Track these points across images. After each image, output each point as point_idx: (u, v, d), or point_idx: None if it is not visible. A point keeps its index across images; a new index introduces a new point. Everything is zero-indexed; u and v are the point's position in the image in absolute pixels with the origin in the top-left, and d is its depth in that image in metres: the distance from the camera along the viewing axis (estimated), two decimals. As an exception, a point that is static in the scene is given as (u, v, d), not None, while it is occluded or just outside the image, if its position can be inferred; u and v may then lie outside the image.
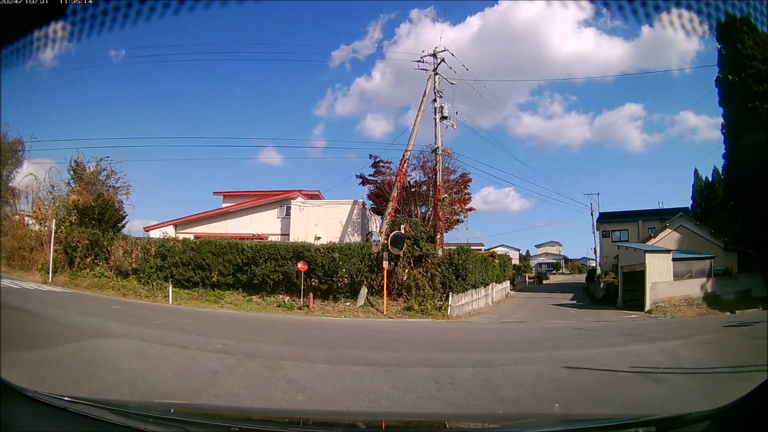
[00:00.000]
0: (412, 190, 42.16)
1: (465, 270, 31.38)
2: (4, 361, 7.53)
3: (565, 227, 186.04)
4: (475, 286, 34.01)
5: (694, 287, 33.02)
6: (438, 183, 33.79)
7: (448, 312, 28.81)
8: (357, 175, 46.66)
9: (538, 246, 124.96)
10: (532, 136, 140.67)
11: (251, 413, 5.92)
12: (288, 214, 40.63)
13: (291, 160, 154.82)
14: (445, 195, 35.05)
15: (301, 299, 29.65)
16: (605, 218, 57.86)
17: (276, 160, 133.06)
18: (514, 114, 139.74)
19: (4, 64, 3.20)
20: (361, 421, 4.58)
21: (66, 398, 3.44)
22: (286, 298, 30.25)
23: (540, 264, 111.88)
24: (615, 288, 39.79)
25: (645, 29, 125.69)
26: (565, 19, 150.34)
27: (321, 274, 30.47)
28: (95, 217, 36.49)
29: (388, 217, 32.24)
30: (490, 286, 39.52)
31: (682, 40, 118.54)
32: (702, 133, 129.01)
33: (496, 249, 72.24)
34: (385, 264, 29.09)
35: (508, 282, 53.99)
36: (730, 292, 32.79)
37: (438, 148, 33.66)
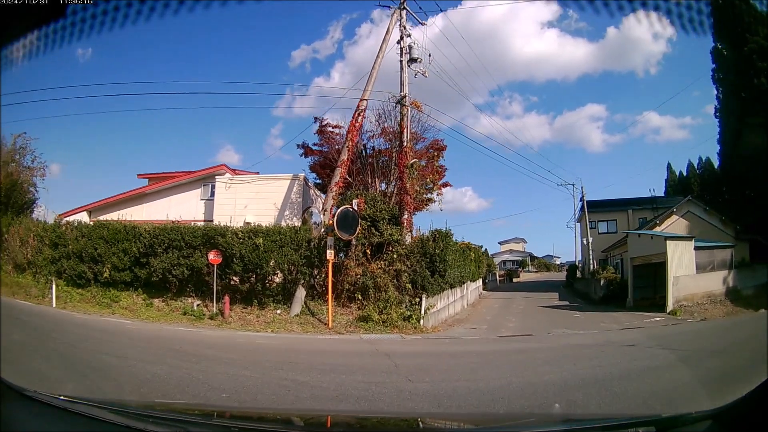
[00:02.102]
0: (369, 160, 34.51)
1: (444, 263, 24.47)
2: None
3: (530, 224, 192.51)
4: (452, 286, 28.12)
5: (716, 281, 29.43)
6: (404, 143, 26.38)
7: (422, 322, 22.10)
8: (299, 145, 38.79)
9: (502, 243, 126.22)
10: (491, 136, 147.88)
11: (251, 413, 5.87)
12: (213, 194, 33.76)
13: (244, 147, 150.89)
14: (415, 159, 27.28)
15: (215, 304, 22.67)
16: (590, 208, 53.50)
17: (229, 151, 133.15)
18: (472, 114, 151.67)
19: (4, 64, 3.33)
20: (361, 421, 4.92)
21: (66, 398, 3.49)
22: (196, 303, 23.40)
23: (504, 261, 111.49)
24: (618, 285, 36.72)
25: (611, 30, 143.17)
26: (528, 20, 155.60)
27: (240, 269, 23.26)
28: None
29: (335, 188, 25.28)
30: (466, 285, 34.15)
31: (649, 42, 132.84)
32: (666, 133, 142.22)
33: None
34: (330, 254, 21.98)
35: (480, 280, 48.19)
36: (750, 287, 29.63)
37: (405, 97, 26.24)
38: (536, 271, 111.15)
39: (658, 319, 25.50)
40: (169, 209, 31.71)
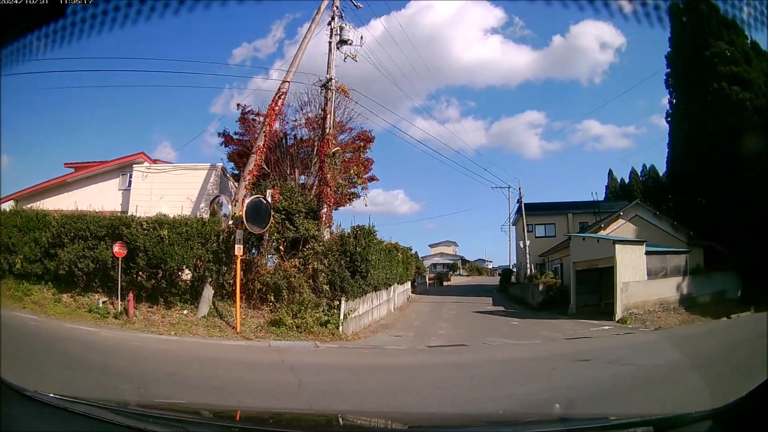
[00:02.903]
0: (291, 150, 32.62)
1: (366, 263, 22.43)
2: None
3: (462, 227, 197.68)
4: (377, 288, 26.01)
5: (669, 288, 28.50)
6: (327, 129, 24.48)
7: (341, 329, 20.07)
8: (219, 133, 36.80)
9: (432, 246, 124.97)
10: (425, 140, 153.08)
11: (251, 413, 5.84)
12: (130, 184, 31.41)
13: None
14: (338, 148, 25.28)
15: (119, 302, 20.28)
16: (527, 211, 51.94)
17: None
18: (408, 117, 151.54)
19: (4, 64, 3.36)
20: (361, 421, 5.13)
21: (66, 398, 3.49)
22: (102, 300, 20.99)
23: (435, 264, 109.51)
24: (559, 291, 35.13)
25: (557, 39, 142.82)
26: (473, 26, 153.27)
27: (144, 263, 20.71)
28: None
29: (249, 177, 23.13)
30: (393, 287, 32.13)
31: (596, 51, 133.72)
32: (607, 141, 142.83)
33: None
34: (238, 249, 19.65)
35: (409, 283, 46.00)
36: (705, 294, 29.60)
37: (330, 80, 24.34)
38: (468, 275, 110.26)
39: (606, 327, 24.23)
40: (91, 198, 29.21)
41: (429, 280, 72.08)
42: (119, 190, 31.92)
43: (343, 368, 14.58)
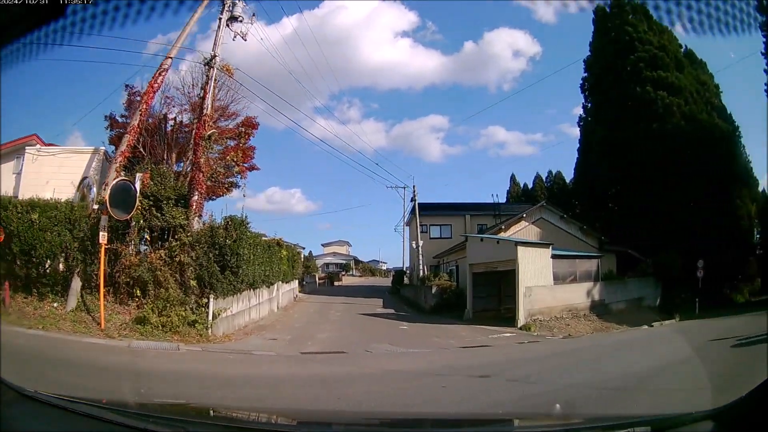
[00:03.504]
0: (169, 134, 31.70)
1: (237, 257, 21.52)
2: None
3: (356, 227, 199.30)
4: (254, 286, 25.20)
5: (578, 294, 29.12)
6: (205, 110, 23.37)
7: (210, 330, 19.31)
8: (106, 116, 34.85)
9: (325, 245, 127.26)
10: (326, 139, 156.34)
11: (251, 413, 5.60)
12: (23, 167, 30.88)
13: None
14: (213, 130, 24.20)
15: None
16: (422, 210, 52.04)
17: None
18: (309, 116, 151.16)
19: (4, 64, 3.59)
20: (361, 421, 5.47)
21: (66, 398, 3.68)
22: None
23: (327, 264, 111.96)
24: (454, 294, 35.17)
25: (468, 45, 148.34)
26: (384, 29, 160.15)
27: (18, 250, 19.68)
28: None
29: (120, 158, 22.46)
30: (276, 286, 31.65)
31: (508, 59, 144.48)
32: (512, 147, 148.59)
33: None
34: (102, 237, 18.54)
35: (297, 282, 46.12)
36: (620, 301, 30.90)
37: (215, 57, 23.43)
38: (360, 276, 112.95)
39: (508, 334, 23.79)
40: (-7, 182, 29.79)
41: (319, 279, 72.57)
42: (13, 173, 31.36)
43: (195, 378, 13.44)
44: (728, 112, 46.71)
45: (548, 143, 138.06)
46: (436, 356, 18.18)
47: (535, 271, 27.30)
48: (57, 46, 3.34)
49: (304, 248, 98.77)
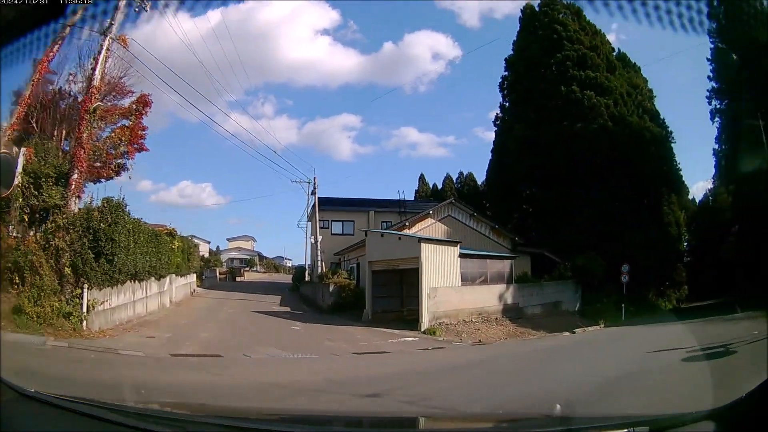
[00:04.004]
0: (61, 111, 30.42)
1: (113, 243, 20.53)
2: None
3: (263, 223, 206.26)
4: (138, 278, 24.41)
5: (490, 296, 29.04)
6: (94, 81, 22.66)
7: (85, 323, 18.77)
8: (14, 92, 33.54)
9: (230, 240, 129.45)
10: (238, 134, 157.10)
11: (251, 412, 6.22)
12: None
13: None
14: (99, 103, 23.12)
15: None
16: (325, 205, 51.72)
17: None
18: (223, 110, 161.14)
19: (4, 63, 3.91)
20: (360, 420, 5.91)
21: (66, 398, 3.87)
22: None
23: (232, 259, 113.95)
24: (354, 293, 34.52)
25: (387, 45, 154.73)
26: (304, 26, 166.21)
27: None
28: None
29: (9, 132, 22.49)
30: (168, 279, 31.31)
31: (427, 61, 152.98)
32: (424, 149, 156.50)
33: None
34: None
35: (195, 276, 46.51)
36: (536, 305, 31.21)
37: (111, 26, 21.84)
38: (264, 272, 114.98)
39: (410, 339, 22.96)
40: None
41: (220, 274, 73.22)
42: None
43: (21, 378, 12.39)
44: (661, 117, 47.93)
45: (461, 146, 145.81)
46: (322, 365, 16.83)
47: (441, 271, 26.81)
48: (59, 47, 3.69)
49: (209, 242, 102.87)
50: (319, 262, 46.98)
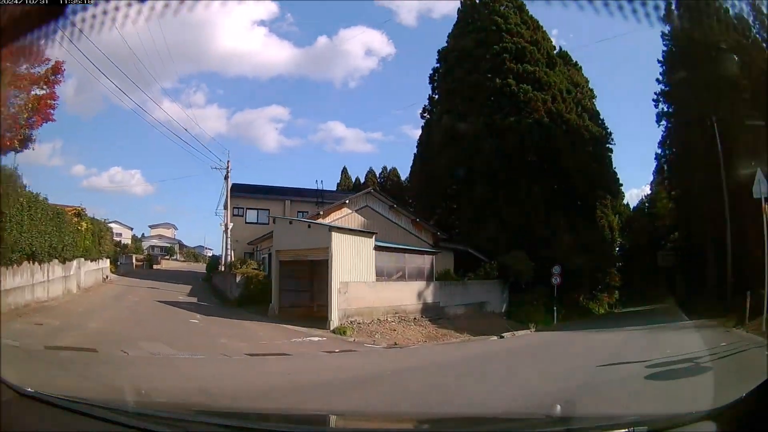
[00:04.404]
0: None
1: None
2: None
3: (185, 211, 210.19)
4: (36, 258, 22.70)
5: (408, 294, 27.92)
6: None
7: None
8: None
9: (152, 227, 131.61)
10: (168, 121, 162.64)
11: (251, 412, 6.51)
12: None
13: None
14: (9, 64, 21.93)
15: None
16: (239, 191, 50.73)
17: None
18: (157, 98, 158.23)
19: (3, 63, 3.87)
20: (360, 420, 6.08)
21: (66, 398, 3.85)
22: None
23: (153, 247, 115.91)
24: (262, 285, 32.19)
25: (322, 39, 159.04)
26: (242, 16, 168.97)
27: None
28: None
29: None
30: (76, 263, 29.51)
31: (359, 57, 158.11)
32: (349, 144, 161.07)
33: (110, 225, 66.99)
34: None
35: (108, 261, 45.02)
36: (459, 305, 30.29)
37: None
38: (184, 261, 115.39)
39: (316, 339, 21.23)
40: None
41: (137, 261, 72.30)
42: None
43: None
44: (601, 117, 48.37)
45: (388, 143, 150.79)
46: (203, 368, 14.74)
47: (354, 264, 25.52)
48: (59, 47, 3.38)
49: (132, 228, 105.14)
50: (230, 251, 45.84)
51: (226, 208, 48.70)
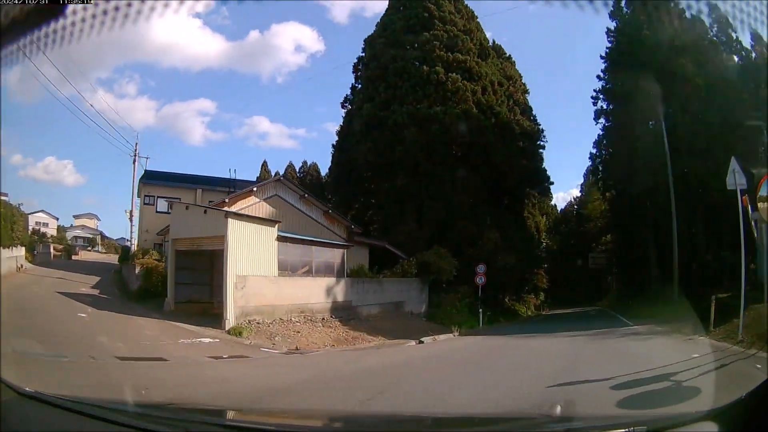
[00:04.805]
0: None
1: None
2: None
3: (109, 201, 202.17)
4: None
5: (315, 291, 25.55)
6: None
7: None
8: None
9: (76, 216, 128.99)
10: (103, 111, 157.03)
11: (251, 412, 6.51)
12: None
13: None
14: None
15: None
16: (151, 179, 48.53)
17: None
18: (91, 88, 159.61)
19: (4, 63, 3.63)
20: (360, 420, 5.81)
21: (66, 398, 3.89)
22: None
23: (76, 237, 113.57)
24: (162, 277, 28.94)
25: (253, 33, 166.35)
26: (182, 6, 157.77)
27: None
28: None
29: None
30: None
31: (289, 52, 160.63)
32: (274, 139, 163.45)
33: (37, 215, 72.41)
34: None
35: (23, 249, 43.17)
36: (373, 304, 28.41)
37: None
38: (105, 252, 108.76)
39: (206, 341, 18.70)
40: None
41: (55, 251, 69.69)
42: None
43: None
44: (533, 113, 48.56)
45: (311, 139, 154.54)
46: (51, 374, 11.83)
47: (254, 256, 23.14)
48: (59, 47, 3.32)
49: (58, 219, 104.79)
50: (133, 239, 44.28)
51: (138, 195, 47.89)
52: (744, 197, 17.72)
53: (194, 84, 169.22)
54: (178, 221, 26.36)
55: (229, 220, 22.46)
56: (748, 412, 2.78)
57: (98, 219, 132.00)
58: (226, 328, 20.60)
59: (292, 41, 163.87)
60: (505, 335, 26.57)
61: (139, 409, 4.15)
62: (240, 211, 28.17)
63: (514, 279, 44.01)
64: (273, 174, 67.18)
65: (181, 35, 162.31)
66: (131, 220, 44.05)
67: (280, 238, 24.38)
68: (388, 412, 9.07)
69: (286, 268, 24.57)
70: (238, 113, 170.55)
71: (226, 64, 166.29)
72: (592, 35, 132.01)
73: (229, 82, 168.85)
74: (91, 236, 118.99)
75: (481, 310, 31.95)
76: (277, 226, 24.79)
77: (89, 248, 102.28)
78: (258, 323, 21.62)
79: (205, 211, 25.17)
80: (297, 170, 74.16)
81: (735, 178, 17.74)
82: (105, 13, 3.04)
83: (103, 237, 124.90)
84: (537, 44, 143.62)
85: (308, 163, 75.68)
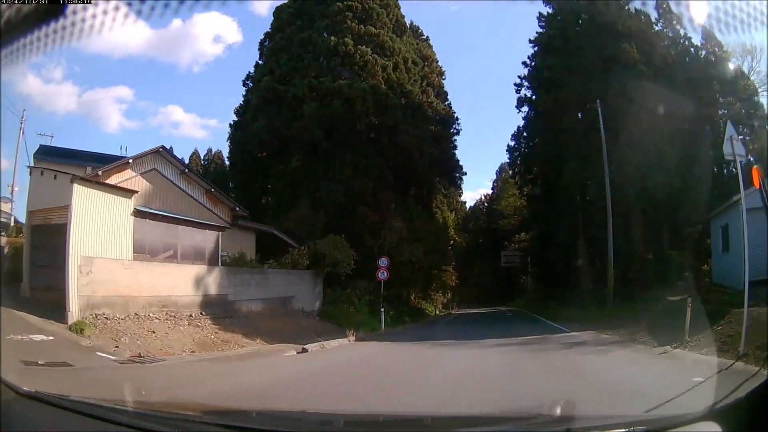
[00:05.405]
0: None
1: None
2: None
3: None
4: None
5: (182, 281, 21.74)
6: None
7: None
8: None
9: None
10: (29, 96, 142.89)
11: (251, 412, 6.20)
12: None
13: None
14: None
15: None
16: (44, 154, 42.48)
17: None
18: (21, 72, 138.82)
19: (4, 64, 3.77)
20: (360, 420, 5.81)
21: (66, 398, 4.01)
22: None
23: None
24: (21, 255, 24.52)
25: (176, 22, 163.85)
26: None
27: None
28: None
29: None
30: None
31: (207, 42, 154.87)
32: (186, 129, 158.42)
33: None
34: None
35: None
36: (256, 299, 25.37)
37: None
38: (17, 236, 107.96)
39: (37, 339, 14.70)
40: None
41: None
42: None
43: None
44: (448, 98, 47.74)
45: (223, 130, 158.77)
46: None
47: (104, 232, 19.16)
48: (59, 47, 3.46)
49: None
50: (11, 217, 42.57)
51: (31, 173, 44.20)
52: (755, 168, 13.97)
53: (115, 70, 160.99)
54: (36, 191, 22.74)
55: (75, 185, 18.51)
56: (748, 412, 2.85)
57: (12, 202, 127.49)
58: (69, 323, 16.66)
59: (212, 31, 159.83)
60: (413, 341, 22.40)
61: (139, 409, 4.03)
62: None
63: (420, 275, 42.03)
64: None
65: (110, 22, 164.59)
66: (12, 195, 42.74)
67: (136, 213, 20.69)
68: (388, 412, 8.95)
69: (144, 251, 20.91)
70: (153, 102, 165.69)
71: (147, 51, 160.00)
72: (507, 22, 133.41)
73: (148, 70, 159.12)
74: (5, 221, 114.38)
75: (383, 309, 29.31)
76: (133, 196, 21.01)
77: (3, 233, 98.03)
78: (107, 318, 17.85)
79: (55, 177, 21.11)
80: (202, 158, 73.61)
81: (733, 147, 14.19)
82: (105, 13, 3.10)
83: (17, 221, 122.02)
84: (457, 33, 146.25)
85: (213, 151, 75.29)
